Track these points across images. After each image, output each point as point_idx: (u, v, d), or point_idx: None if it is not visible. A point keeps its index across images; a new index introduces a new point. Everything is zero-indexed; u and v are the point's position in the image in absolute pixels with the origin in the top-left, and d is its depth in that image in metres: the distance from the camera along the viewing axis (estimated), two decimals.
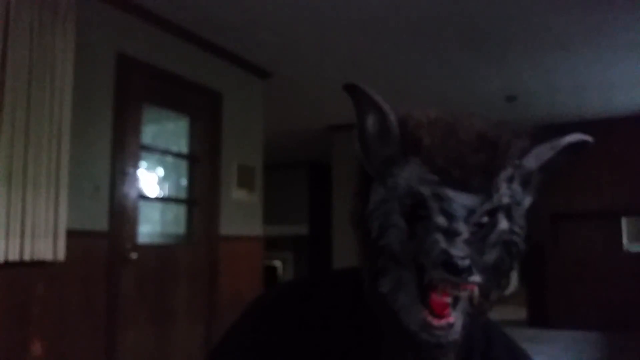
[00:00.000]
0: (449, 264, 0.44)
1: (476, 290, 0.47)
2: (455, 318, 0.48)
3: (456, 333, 0.48)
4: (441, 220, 0.47)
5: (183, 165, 3.05)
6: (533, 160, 0.52)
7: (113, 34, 2.50)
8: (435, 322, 0.47)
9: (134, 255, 2.49)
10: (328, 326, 0.57)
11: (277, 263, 6.22)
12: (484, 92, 4.11)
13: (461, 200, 0.47)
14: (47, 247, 2.03)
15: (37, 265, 2.03)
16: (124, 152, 2.50)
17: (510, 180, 0.50)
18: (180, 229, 3.03)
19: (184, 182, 3.04)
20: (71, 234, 2.13)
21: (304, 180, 6.75)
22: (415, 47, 3.18)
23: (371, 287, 0.52)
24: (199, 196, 2.98)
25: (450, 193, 0.47)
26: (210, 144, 3.05)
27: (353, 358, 0.55)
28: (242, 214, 3.24)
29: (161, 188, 3.09)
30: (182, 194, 3.07)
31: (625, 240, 5.02)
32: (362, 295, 0.54)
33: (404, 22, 2.84)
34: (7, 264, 1.91)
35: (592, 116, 4.76)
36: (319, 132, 5.14)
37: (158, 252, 2.74)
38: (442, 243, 0.45)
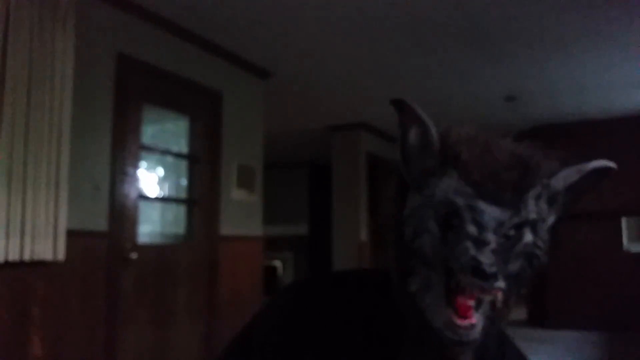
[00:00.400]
0: (477, 270, 0.47)
1: (500, 295, 0.50)
2: (477, 319, 0.51)
3: (477, 333, 0.52)
4: (472, 229, 0.51)
5: (183, 165, 3.05)
6: (561, 181, 0.57)
7: (113, 34, 2.50)
8: (460, 321, 0.51)
9: (134, 255, 2.49)
10: (352, 321, 0.60)
11: (277, 263, 6.21)
12: (484, 92, 4.11)
13: (492, 213, 0.51)
14: (47, 247, 2.02)
15: (37, 265, 2.03)
16: (124, 152, 2.50)
17: (538, 198, 0.54)
18: (180, 229, 3.03)
19: (184, 182, 3.04)
20: (71, 234, 2.13)
21: (304, 180, 6.76)
22: (415, 47, 3.18)
23: (400, 286, 0.56)
24: (199, 196, 2.97)
25: (482, 205, 0.52)
26: (210, 144, 3.05)
27: (373, 353, 0.58)
28: (242, 214, 3.24)
29: (161, 188, 3.09)
30: (182, 194, 3.07)
31: (625, 240, 5.03)
32: (387, 295, 0.58)
33: (404, 22, 2.84)
34: (7, 264, 1.91)
35: (591, 116, 4.77)
36: (319, 132, 5.14)
37: (158, 252, 2.74)
38: (472, 250, 0.49)
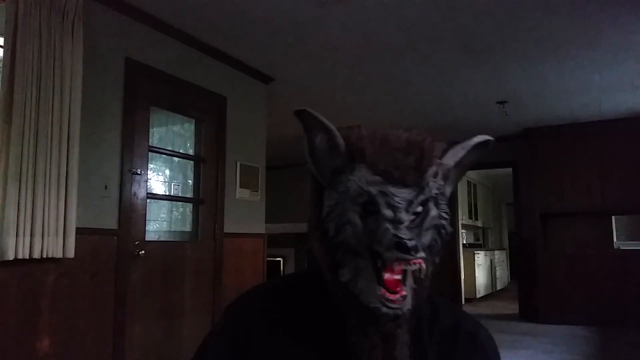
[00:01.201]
0: (400, 245, 0.54)
1: (423, 264, 0.55)
2: (406, 291, 0.57)
3: (409, 304, 0.58)
4: (388, 212, 0.57)
5: (189, 165, 3.09)
6: (451, 158, 0.65)
7: (122, 40, 2.54)
8: (392, 296, 0.56)
9: (142, 252, 2.55)
10: (297, 329, 0.64)
11: (279, 258, 6.35)
12: (477, 96, 4.15)
13: (401, 194, 0.58)
14: (57, 244, 2.04)
15: (47, 262, 2.06)
16: (133, 153, 2.55)
17: (435, 175, 0.62)
18: (186, 226, 3.09)
19: (190, 182, 3.10)
20: (81, 232, 2.16)
21: (305, 180, 6.81)
22: (412, 53, 3.24)
23: (333, 279, 0.61)
24: (205, 195, 3.02)
25: (392, 190, 0.59)
26: (215, 146, 3.10)
27: (323, 348, 0.62)
28: (245, 212, 3.29)
29: (168, 187, 3.16)
30: (189, 194, 3.12)
31: (615, 238, 5.15)
32: (322, 292, 0.63)
33: (402, 29, 2.90)
34: (18, 261, 1.93)
35: (582, 119, 4.80)
36: None
37: (165, 249, 2.78)
38: (391, 230, 0.56)
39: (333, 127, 0.62)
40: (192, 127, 3.11)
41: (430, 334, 0.65)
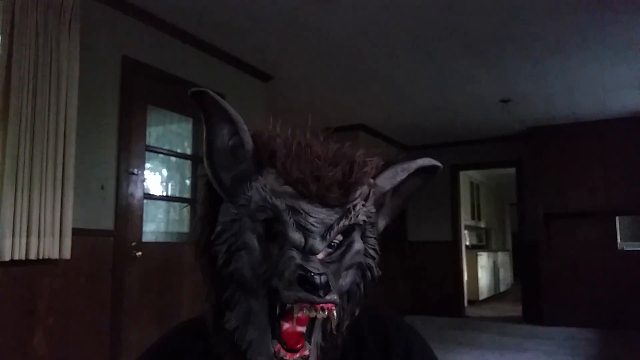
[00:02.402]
0: (305, 280, 0.40)
1: (334, 311, 0.42)
2: (309, 351, 0.43)
3: None
4: (297, 236, 0.44)
5: (187, 165, 3.08)
6: (387, 180, 0.50)
7: (118, 37, 2.53)
8: (289, 356, 0.42)
9: (139, 253, 2.53)
10: None
11: None
12: (480, 94, 4.15)
13: (318, 215, 0.44)
14: (54, 245, 2.04)
15: (44, 263, 2.05)
16: (130, 152, 2.53)
17: (365, 198, 0.48)
18: (184, 227, 3.07)
19: (187, 182, 3.09)
20: (77, 233, 2.15)
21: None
22: (413, 51, 3.23)
23: (216, 325, 0.47)
24: None
25: (306, 207, 0.44)
26: None
27: None
28: None
29: (165, 188, 3.14)
30: (186, 194, 3.11)
31: (619, 239, 5.10)
32: (209, 338, 0.49)
33: (403, 27, 2.89)
34: (14, 262, 1.92)
35: (586, 118, 4.80)
36: None
37: (162, 250, 2.77)
38: (298, 259, 0.42)
39: (240, 119, 0.48)
40: (190, 126, 3.10)
41: None
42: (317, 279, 0.40)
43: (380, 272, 0.49)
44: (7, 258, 1.89)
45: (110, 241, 2.42)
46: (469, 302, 6.46)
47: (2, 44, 1.98)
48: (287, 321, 0.43)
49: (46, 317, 2.11)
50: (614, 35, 3.00)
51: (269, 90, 3.64)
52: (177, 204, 3.17)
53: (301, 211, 0.44)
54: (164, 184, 3.12)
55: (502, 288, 8.29)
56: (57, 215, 2.06)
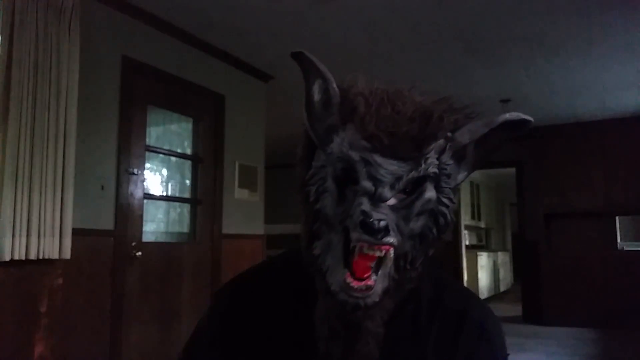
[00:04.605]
0: (365, 224, 0.45)
1: (391, 252, 0.47)
2: (374, 281, 0.48)
3: (375, 296, 0.49)
4: (368, 184, 0.48)
5: (187, 165, 3.09)
6: (467, 134, 0.53)
7: (118, 37, 2.54)
8: (355, 283, 0.48)
9: (139, 253, 2.53)
10: (281, 306, 0.60)
11: None
12: (480, 94, 4.15)
13: (388, 167, 0.49)
14: (53, 245, 2.04)
15: (44, 263, 2.05)
16: (130, 152, 2.54)
17: (441, 152, 0.51)
18: (184, 227, 3.08)
19: (187, 182, 3.09)
20: (77, 233, 2.16)
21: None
22: (414, 51, 3.23)
23: (307, 250, 0.54)
24: (203, 196, 3.02)
25: (378, 159, 0.49)
26: (213, 145, 3.09)
27: (301, 331, 0.56)
28: (244, 213, 3.28)
29: (165, 188, 3.14)
30: (186, 194, 3.11)
31: (619, 239, 5.10)
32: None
33: (404, 26, 2.89)
34: (14, 262, 1.93)
35: (585, 118, 4.81)
36: None
37: (162, 250, 2.77)
38: (365, 206, 0.47)
39: (330, 77, 0.54)
40: (190, 126, 3.11)
41: (431, 319, 0.58)
42: (376, 224, 0.46)
43: (454, 219, 0.53)
44: (7, 258, 1.90)
45: (110, 241, 2.43)
46: None
47: (2, 44, 1.98)
48: (358, 255, 0.48)
49: (46, 317, 2.11)
50: (615, 35, 3.00)
51: (269, 91, 3.64)
52: (177, 204, 3.17)
53: (373, 163, 0.49)
54: (164, 184, 3.12)
55: (502, 288, 8.29)
56: (57, 215, 2.06)
